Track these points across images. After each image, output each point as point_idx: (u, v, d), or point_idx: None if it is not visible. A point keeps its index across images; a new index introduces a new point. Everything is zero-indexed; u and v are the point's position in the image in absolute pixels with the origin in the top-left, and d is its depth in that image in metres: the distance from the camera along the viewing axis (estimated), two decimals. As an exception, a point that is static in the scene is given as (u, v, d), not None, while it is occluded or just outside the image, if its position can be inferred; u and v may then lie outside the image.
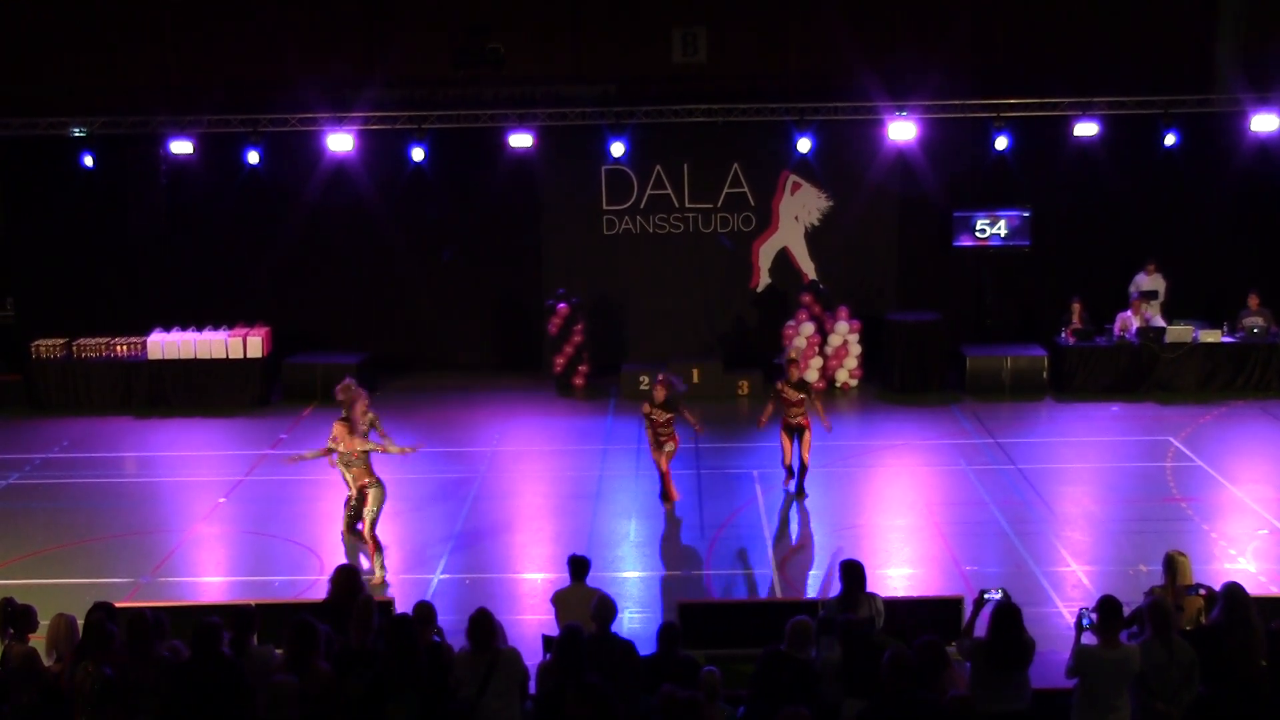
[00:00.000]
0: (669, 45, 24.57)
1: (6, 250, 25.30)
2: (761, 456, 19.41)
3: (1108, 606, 9.37)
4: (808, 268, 24.88)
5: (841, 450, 20.06)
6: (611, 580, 14.57)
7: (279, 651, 9.81)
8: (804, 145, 23.50)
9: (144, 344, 23.48)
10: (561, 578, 12.82)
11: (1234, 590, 9.82)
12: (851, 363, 23.72)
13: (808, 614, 10.47)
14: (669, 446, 17.20)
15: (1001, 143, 23.29)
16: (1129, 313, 23.29)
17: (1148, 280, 23.66)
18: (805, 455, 17.59)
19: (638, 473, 18.95)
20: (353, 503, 15.03)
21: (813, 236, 24.89)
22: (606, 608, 10.30)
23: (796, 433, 17.59)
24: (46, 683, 9.77)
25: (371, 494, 14.86)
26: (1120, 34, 24.16)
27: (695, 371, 23.36)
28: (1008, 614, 9.42)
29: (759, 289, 25.11)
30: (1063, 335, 23.40)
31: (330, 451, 14.93)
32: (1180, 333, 22.90)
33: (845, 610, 10.48)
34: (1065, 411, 22.16)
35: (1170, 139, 23.16)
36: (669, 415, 17.01)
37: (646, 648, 10.31)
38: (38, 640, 10.13)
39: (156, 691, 9.33)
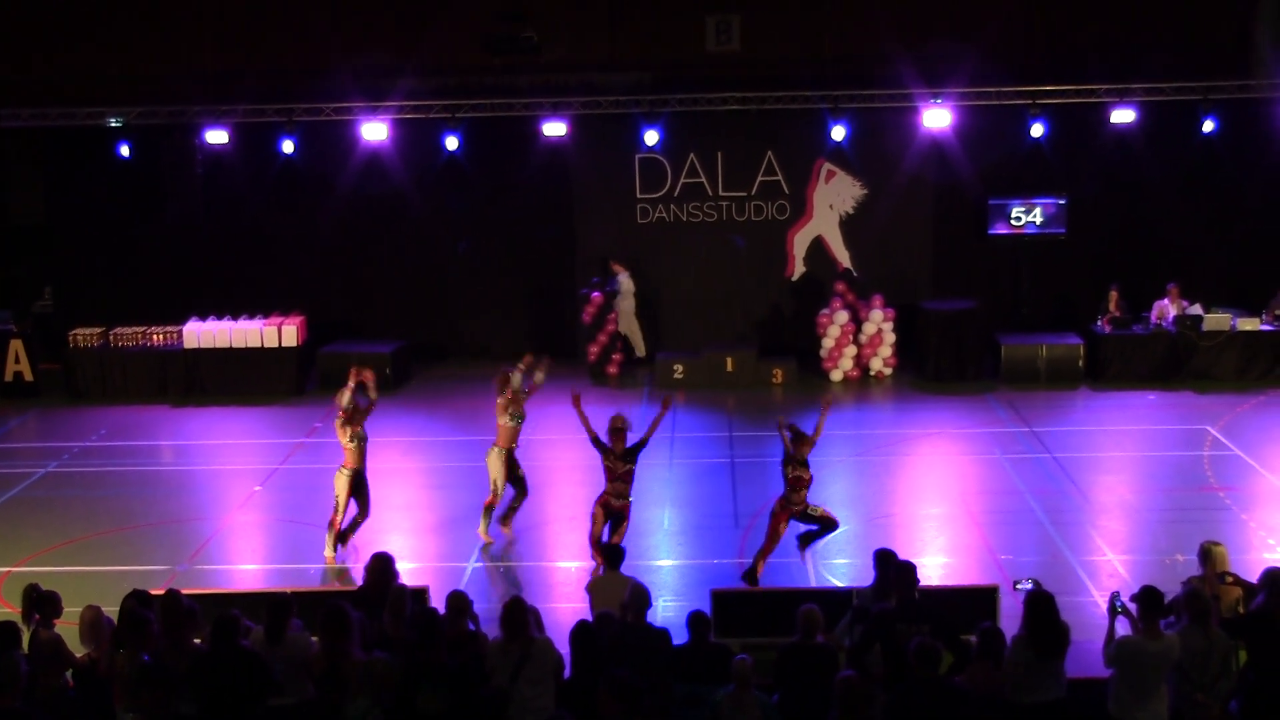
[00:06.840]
0: (703, 33, 24.44)
1: (46, 240, 25.47)
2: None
3: (1149, 597, 9.30)
4: (842, 256, 24.76)
5: (876, 439, 20.01)
6: (646, 569, 14.56)
7: (315, 639, 9.85)
8: (839, 133, 23.38)
9: (180, 333, 23.57)
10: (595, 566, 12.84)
11: (1277, 576, 9.74)
12: (886, 351, 23.60)
13: (838, 602, 10.46)
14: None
15: (1037, 130, 23.12)
16: (1166, 301, 23.11)
17: None
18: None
19: (671, 461, 18.98)
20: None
21: (847, 225, 24.79)
22: (640, 596, 10.31)
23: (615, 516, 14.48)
24: (77, 666, 9.86)
25: None
26: (1158, 19, 23.90)
27: (729, 360, 23.31)
28: (1042, 602, 9.36)
29: (794, 277, 25.02)
30: (1099, 323, 23.24)
31: None
32: (1218, 321, 22.70)
33: (879, 599, 10.45)
34: (1101, 400, 22.01)
35: (1209, 125, 22.95)
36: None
37: (681, 636, 10.31)
38: (65, 625, 10.20)
39: (188, 679, 9.38)
